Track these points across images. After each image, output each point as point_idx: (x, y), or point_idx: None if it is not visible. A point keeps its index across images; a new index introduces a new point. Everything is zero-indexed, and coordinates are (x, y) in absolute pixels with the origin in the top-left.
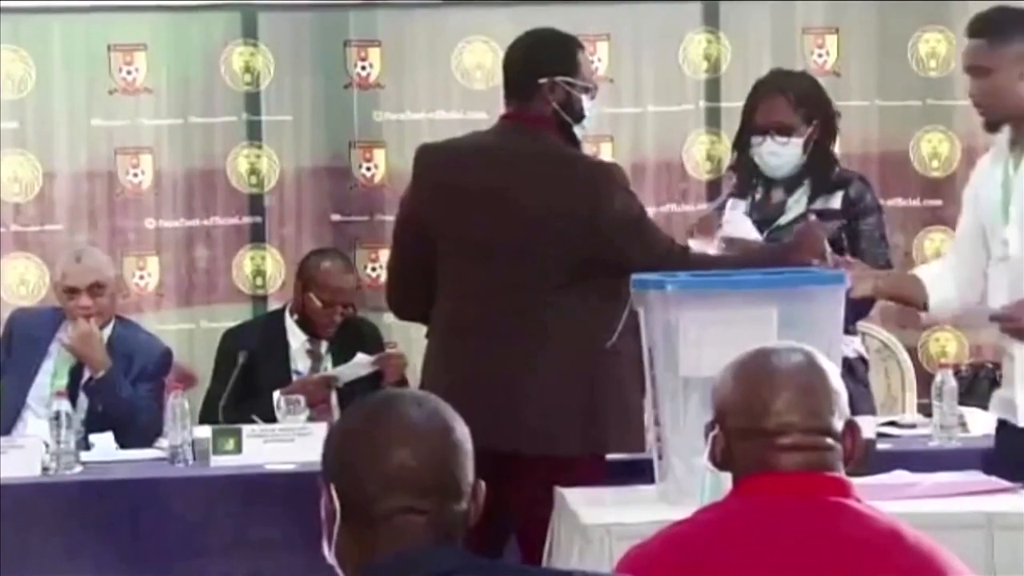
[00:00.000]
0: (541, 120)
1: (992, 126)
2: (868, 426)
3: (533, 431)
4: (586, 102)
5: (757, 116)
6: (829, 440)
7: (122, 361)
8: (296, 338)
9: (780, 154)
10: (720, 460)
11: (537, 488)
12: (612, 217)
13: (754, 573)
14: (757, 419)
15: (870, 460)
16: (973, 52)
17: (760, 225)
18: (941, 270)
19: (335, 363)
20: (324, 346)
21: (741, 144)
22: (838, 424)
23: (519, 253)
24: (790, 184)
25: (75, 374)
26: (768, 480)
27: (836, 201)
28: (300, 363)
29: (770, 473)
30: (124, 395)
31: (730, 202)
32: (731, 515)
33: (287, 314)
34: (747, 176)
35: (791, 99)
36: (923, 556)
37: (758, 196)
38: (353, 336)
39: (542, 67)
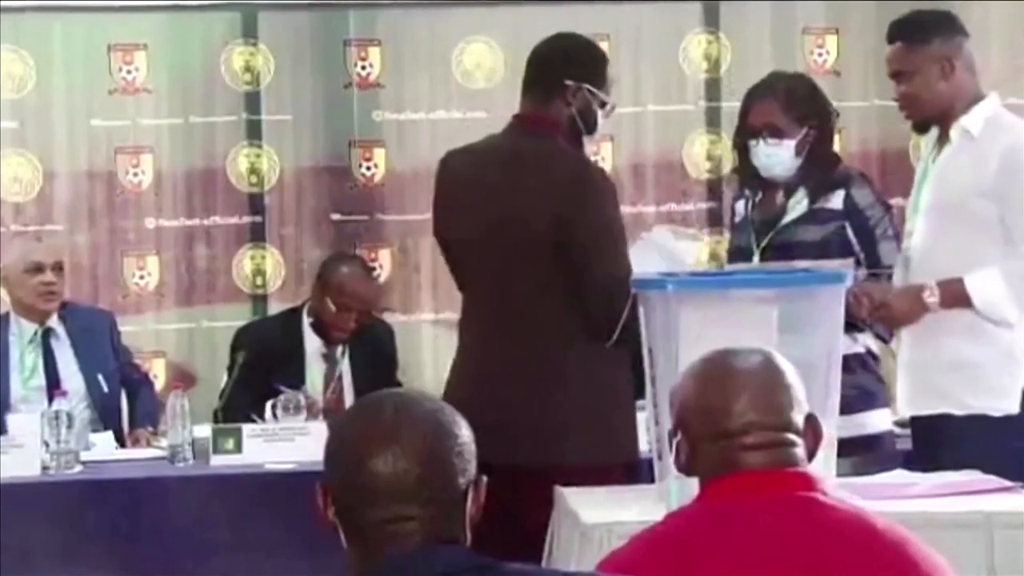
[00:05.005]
0: (554, 124)
1: (920, 127)
2: (884, 419)
3: (533, 442)
4: (600, 117)
5: (750, 118)
6: (791, 436)
7: (83, 336)
8: (311, 342)
9: (772, 155)
10: (685, 465)
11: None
12: (590, 222)
13: (729, 574)
14: (719, 421)
15: (888, 451)
16: (892, 56)
17: (763, 226)
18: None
19: (352, 367)
20: (339, 349)
21: (740, 147)
22: (799, 419)
23: (511, 256)
24: (789, 186)
25: (49, 364)
26: (734, 480)
27: (836, 200)
28: (315, 366)
29: (736, 473)
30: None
31: (738, 205)
32: (701, 518)
33: (304, 315)
34: (749, 178)
35: (782, 101)
36: (895, 544)
37: (759, 198)
38: (368, 340)
39: (571, 69)
